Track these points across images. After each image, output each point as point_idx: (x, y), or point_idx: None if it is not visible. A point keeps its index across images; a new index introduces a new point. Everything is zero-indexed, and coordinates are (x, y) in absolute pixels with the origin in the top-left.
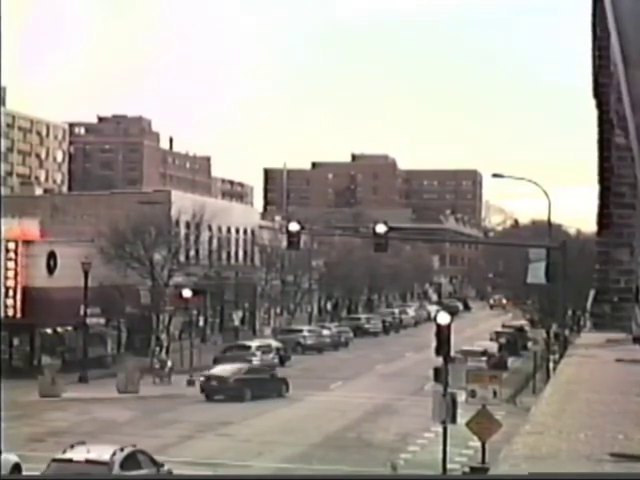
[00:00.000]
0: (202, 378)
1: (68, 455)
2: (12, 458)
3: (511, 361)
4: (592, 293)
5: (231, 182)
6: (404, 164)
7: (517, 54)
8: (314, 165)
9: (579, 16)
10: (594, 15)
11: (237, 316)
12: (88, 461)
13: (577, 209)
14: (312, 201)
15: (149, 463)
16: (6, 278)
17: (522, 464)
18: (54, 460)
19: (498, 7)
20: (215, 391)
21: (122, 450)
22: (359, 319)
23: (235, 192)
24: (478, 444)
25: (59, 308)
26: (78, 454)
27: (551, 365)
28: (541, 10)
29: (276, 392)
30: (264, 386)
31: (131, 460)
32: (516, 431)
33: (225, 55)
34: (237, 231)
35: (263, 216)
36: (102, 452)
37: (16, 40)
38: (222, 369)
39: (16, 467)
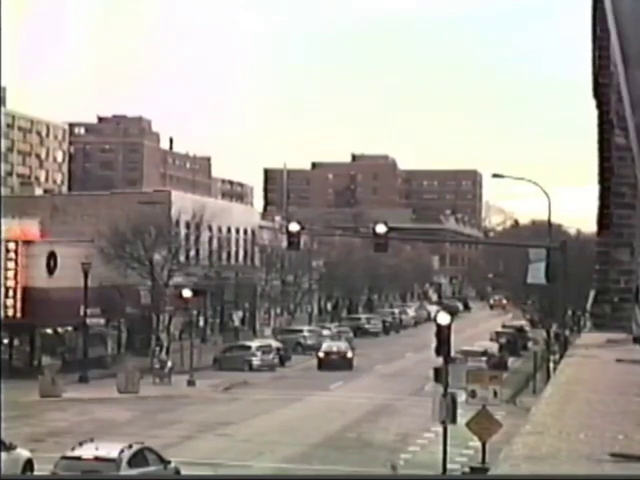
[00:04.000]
0: (320, 354)
1: (77, 452)
2: (25, 454)
3: (511, 361)
4: (592, 293)
5: (231, 182)
6: (404, 164)
7: (517, 54)
8: (314, 165)
9: (579, 16)
10: (594, 15)
11: (237, 316)
12: (96, 458)
13: (577, 209)
14: (312, 201)
15: (157, 460)
16: (6, 278)
17: (522, 464)
18: (63, 457)
19: (498, 7)
20: (333, 363)
21: (130, 447)
22: (359, 319)
23: (235, 192)
24: (478, 444)
25: (59, 308)
26: (86, 451)
27: (551, 365)
28: (541, 10)
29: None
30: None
31: (139, 457)
32: (516, 431)
33: (225, 55)
34: (237, 231)
35: (263, 216)
36: (110, 449)
37: (16, 40)
38: (334, 345)
39: (28, 462)
